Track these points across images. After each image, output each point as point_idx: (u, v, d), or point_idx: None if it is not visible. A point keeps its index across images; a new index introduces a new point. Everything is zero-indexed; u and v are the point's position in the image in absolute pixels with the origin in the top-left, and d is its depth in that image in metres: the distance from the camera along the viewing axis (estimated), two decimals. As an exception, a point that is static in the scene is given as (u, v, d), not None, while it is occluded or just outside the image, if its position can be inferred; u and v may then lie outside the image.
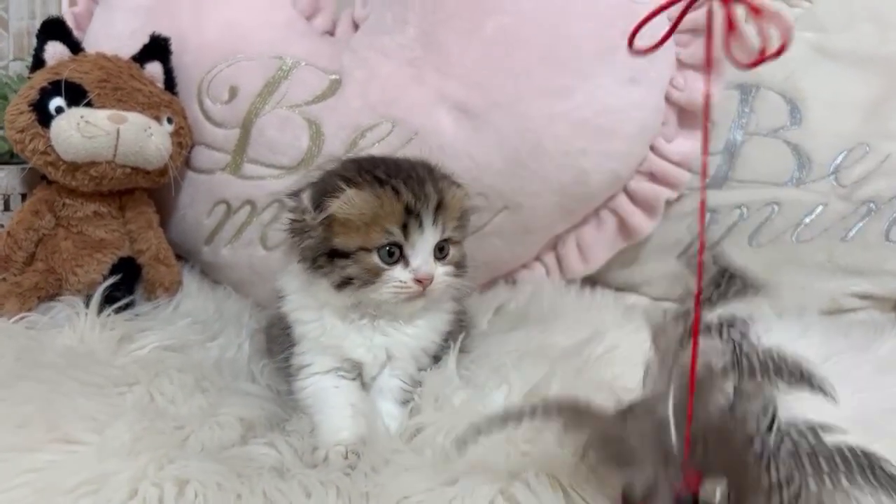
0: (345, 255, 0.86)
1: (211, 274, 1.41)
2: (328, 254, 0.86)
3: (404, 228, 0.85)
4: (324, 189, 0.87)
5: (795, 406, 0.91)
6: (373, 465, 0.76)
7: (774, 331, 1.11)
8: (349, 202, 0.85)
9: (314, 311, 0.91)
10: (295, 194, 0.90)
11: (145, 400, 0.92)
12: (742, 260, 1.35)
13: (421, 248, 0.86)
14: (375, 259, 0.86)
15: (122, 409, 0.85)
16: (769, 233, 1.38)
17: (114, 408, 0.85)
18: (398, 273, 0.86)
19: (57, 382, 0.86)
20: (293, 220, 0.91)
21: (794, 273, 1.37)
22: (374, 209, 0.85)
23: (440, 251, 0.89)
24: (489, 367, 0.98)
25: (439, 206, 0.87)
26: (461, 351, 1.01)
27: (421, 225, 0.86)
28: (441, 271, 0.88)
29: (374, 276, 0.86)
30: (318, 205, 0.85)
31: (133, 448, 0.76)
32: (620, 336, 1.07)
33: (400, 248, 0.86)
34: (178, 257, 1.41)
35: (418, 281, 0.85)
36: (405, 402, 0.91)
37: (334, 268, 0.86)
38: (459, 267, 0.93)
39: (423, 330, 0.93)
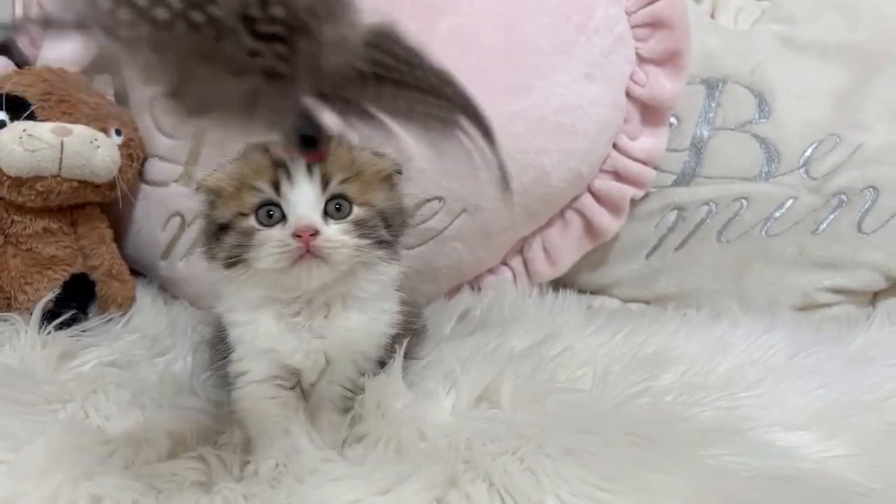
0: (226, 227, 0.80)
1: (170, 289, 1.38)
2: (215, 234, 0.82)
3: (275, 185, 0.78)
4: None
5: (756, 402, 0.89)
6: (298, 475, 0.72)
7: (740, 326, 1.10)
8: (218, 169, 0.82)
9: (248, 312, 0.86)
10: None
11: (78, 417, 0.88)
12: (711, 256, 1.35)
13: (298, 202, 0.78)
14: (252, 222, 0.79)
15: (49, 426, 0.82)
16: (738, 228, 1.35)
17: (39, 426, 0.81)
18: (275, 232, 0.78)
19: (-21, 402, 0.83)
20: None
21: (765, 268, 1.34)
22: (242, 170, 0.81)
23: (337, 210, 0.80)
24: (440, 373, 0.95)
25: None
26: (413, 357, 0.97)
27: (291, 177, 0.78)
28: (335, 229, 0.79)
29: (251, 240, 0.78)
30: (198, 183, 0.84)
31: (49, 466, 0.72)
32: (577, 338, 1.04)
33: (278, 206, 0.79)
34: (137, 273, 1.38)
35: (297, 236, 0.76)
36: (346, 410, 0.87)
37: (220, 246, 0.80)
38: (377, 236, 0.82)
39: (361, 333, 0.86)
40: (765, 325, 1.10)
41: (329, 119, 0.59)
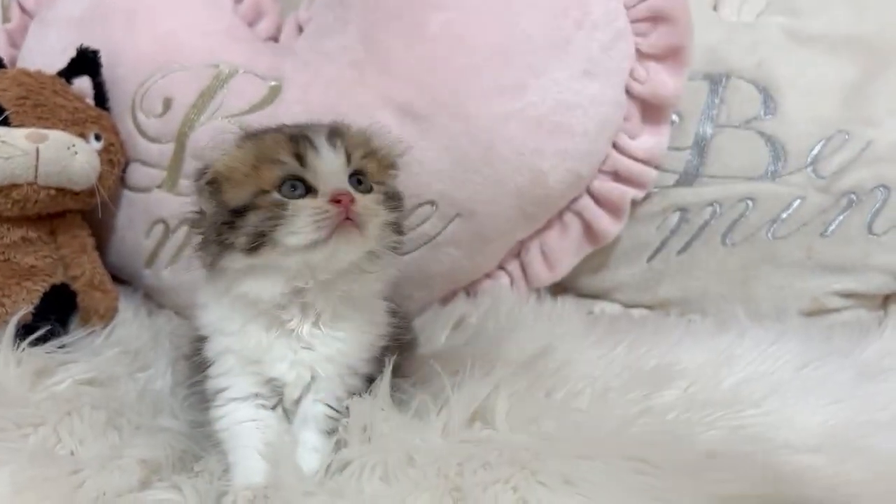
0: (243, 210, 0.75)
1: (155, 298, 1.34)
2: (228, 222, 0.76)
3: (298, 157, 0.75)
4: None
5: (764, 421, 0.84)
6: (278, 510, 0.68)
7: (746, 336, 1.05)
8: (228, 153, 0.79)
9: (236, 322, 0.82)
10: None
11: (51, 441, 0.84)
12: (716, 260, 1.30)
13: (325, 171, 0.75)
14: (276, 196, 0.75)
15: (16, 454, 0.77)
16: (743, 230, 1.30)
17: (7, 453, 0.78)
18: (308, 202, 0.74)
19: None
20: (192, 224, 0.84)
21: (772, 272, 1.29)
22: (257, 149, 0.78)
23: (359, 184, 0.78)
24: (431, 391, 0.90)
25: (334, 133, 0.79)
26: (402, 375, 0.93)
27: (315, 147, 0.76)
28: (368, 198, 0.76)
29: (281, 214, 0.73)
30: (201, 174, 0.80)
31: (13, 500, 0.68)
32: (575, 349, 1.00)
33: (301, 181, 0.75)
34: (121, 282, 1.34)
35: (336, 202, 0.72)
36: (331, 432, 0.82)
37: (237, 231, 0.75)
38: (398, 216, 0.81)
39: (350, 344, 0.82)
40: (772, 334, 1.05)
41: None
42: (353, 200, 0.73)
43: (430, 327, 1.19)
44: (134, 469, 0.77)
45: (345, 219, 0.73)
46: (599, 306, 1.36)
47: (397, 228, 0.81)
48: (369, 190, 0.79)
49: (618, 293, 1.37)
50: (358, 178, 0.78)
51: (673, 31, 1.22)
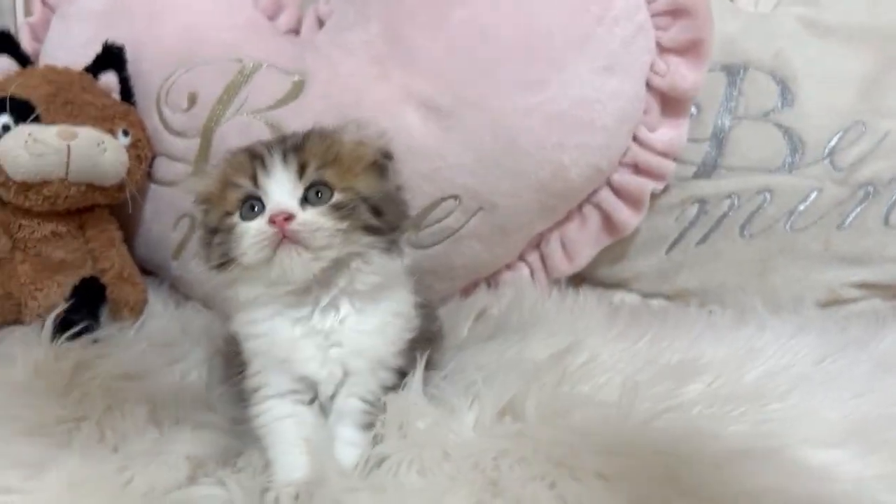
0: (215, 230, 0.81)
1: (182, 289, 1.36)
2: (207, 240, 0.83)
3: (254, 178, 0.80)
4: None
5: (787, 416, 0.87)
6: (321, 506, 0.70)
7: (767, 329, 1.07)
8: (203, 174, 0.87)
9: (262, 323, 0.84)
10: None
11: (94, 438, 0.86)
12: (734, 251, 1.32)
13: (273, 190, 0.79)
14: (236, 219, 0.80)
15: (65, 450, 0.80)
16: (761, 222, 1.31)
17: (56, 449, 0.80)
18: (254, 224, 0.78)
19: (-5, 426, 0.81)
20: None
21: (789, 264, 1.30)
22: (225, 170, 0.83)
23: (318, 196, 0.79)
24: (461, 385, 0.92)
25: (298, 149, 0.81)
26: (432, 368, 0.95)
27: (266, 167, 0.79)
28: (312, 212, 0.78)
29: (233, 236, 0.79)
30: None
31: (69, 497, 0.71)
32: (601, 344, 1.02)
33: (259, 199, 0.79)
34: (148, 273, 1.36)
35: (273, 222, 0.76)
36: (367, 426, 0.84)
37: (211, 249, 0.81)
38: (360, 221, 0.80)
39: (376, 338, 0.84)
40: (791, 327, 1.07)
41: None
42: (287, 219, 0.76)
43: (453, 319, 1.20)
44: (181, 465, 0.79)
45: (282, 237, 0.76)
46: (619, 296, 1.37)
47: (375, 228, 0.81)
48: (328, 201, 0.80)
49: (636, 283, 1.39)
50: (317, 191, 0.80)
51: (693, 25, 1.23)
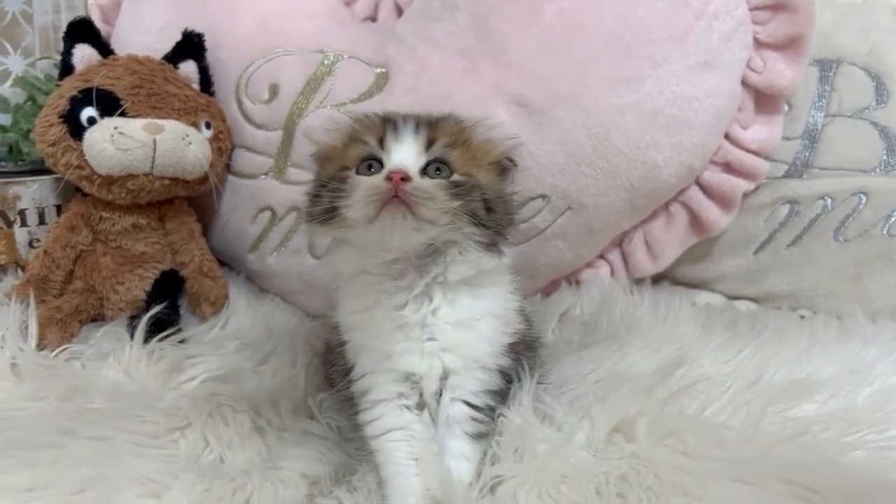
0: (326, 183, 0.80)
1: (257, 282, 1.35)
2: (315, 194, 0.82)
3: (381, 141, 0.79)
4: None
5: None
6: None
7: (872, 343, 1.04)
8: (331, 128, 0.86)
9: (363, 313, 0.83)
10: None
11: (199, 447, 0.86)
12: (828, 256, 1.27)
13: (397, 153, 0.78)
14: (349, 172, 0.79)
15: (177, 464, 0.79)
16: (857, 226, 1.26)
17: (168, 463, 0.80)
18: (370, 178, 0.77)
19: (107, 438, 0.80)
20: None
21: (887, 270, 1.25)
22: (353, 128, 0.84)
23: (437, 172, 0.79)
24: (567, 399, 0.90)
25: (431, 125, 0.81)
26: (532, 376, 0.93)
27: (397, 132, 0.79)
28: (430, 182, 0.77)
29: (345, 188, 0.77)
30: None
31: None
32: (703, 355, 0.99)
33: (379, 161, 0.79)
34: (222, 264, 1.34)
35: (388, 179, 0.73)
36: (477, 436, 0.83)
37: (318, 200, 0.80)
38: (471, 207, 0.78)
39: (470, 334, 0.82)
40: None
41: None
42: (404, 179, 0.73)
43: (537, 320, 1.18)
44: (298, 483, 0.78)
45: (393, 196, 0.73)
46: (703, 297, 1.34)
47: (480, 221, 0.79)
48: (447, 178, 0.79)
49: (720, 284, 1.35)
50: (437, 167, 0.79)
51: (793, 20, 1.18)
